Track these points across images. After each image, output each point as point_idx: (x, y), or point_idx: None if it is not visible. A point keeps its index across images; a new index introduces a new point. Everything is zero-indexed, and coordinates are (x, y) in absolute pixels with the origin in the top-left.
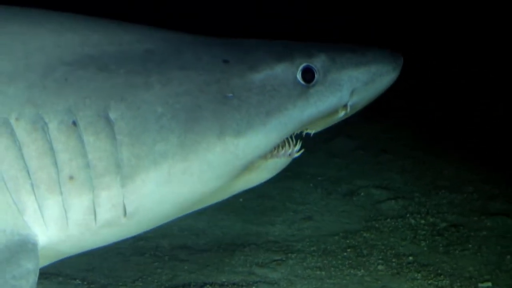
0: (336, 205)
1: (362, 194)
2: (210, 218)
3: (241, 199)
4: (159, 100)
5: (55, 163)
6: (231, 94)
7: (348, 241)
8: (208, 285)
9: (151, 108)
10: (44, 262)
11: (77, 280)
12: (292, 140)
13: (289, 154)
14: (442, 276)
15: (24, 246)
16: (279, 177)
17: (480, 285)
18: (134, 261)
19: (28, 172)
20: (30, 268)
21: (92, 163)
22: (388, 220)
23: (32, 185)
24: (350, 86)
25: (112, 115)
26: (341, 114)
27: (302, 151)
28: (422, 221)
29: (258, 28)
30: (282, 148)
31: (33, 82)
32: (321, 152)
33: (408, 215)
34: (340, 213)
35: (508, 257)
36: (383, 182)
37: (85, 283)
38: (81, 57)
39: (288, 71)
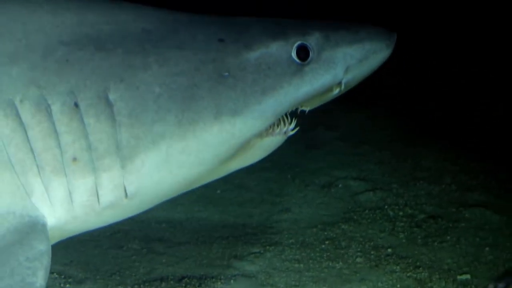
0: (314, 196)
1: (340, 185)
2: (187, 210)
3: (218, 191)
4: (156, 80)
5: (59, 145)
6: (226, 73)
7: (326, 233)
8: (186, 279)
9: (149, 88)
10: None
11: (54, 274)
12: (287, 118)
13: (284, 132)
14: (420, 268)
15: (34, 228)
16: (257, 168)
17: (458, 277)
18: (111, 254)
19: (33, 154)
20: (42, 249)
21: (94, 145)
22: (366, 211)
23: (38, 167)
24: (344, 64)
25: (111, 96)
26: (336, 91)
27: (297, 129)
28: (400, 213)
29: None
30: (277, 126)
31: (35, 63)
32: (300, 142)
33: (386, 206)
34: (318, 205)
35: (487, 249)
36: (361, 174)
37: (63, 277)
38: (79, 37)
39: (282, 50)
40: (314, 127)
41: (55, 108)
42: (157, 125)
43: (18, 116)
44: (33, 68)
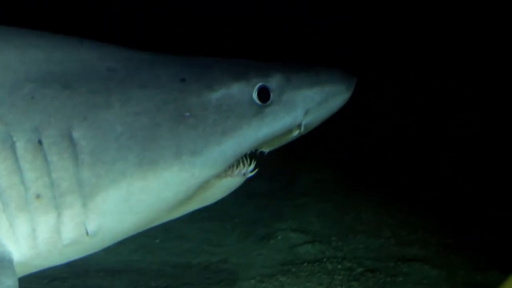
0: (253, 248)
1: (279, 237)
2: (127, 258)
3: (157, 240)
4: (118, 119)
5: (23, 182)
6: (188, 113)
7: (264, 285)
8: None
9: (111, 127)
10: None
11: None
12: (246, 160)
13: (243, 174)
14: None
15: (1, 263)
16: (197, 218)
17: None
18: None
19: None
20: (10, 284)
21: (56, 182)
22: (305, 264)
23: (3, 203)
24: (304, 106)
25: (75, 135)
26: (295, 133)
27: (256, 170)
28: (339, 266)
29: (258, 28)
30: (237, 167)
31: (2, 99)
32: (241, 192)
33: (325, 259)
34: (256, 257)
35: None
36: (301, 225)
37: None
38: (45, 74)
39: (244, 91)
40: (256, 177)
41: (20, 145)
42: (118, 164)
43: None
44: (1, 105)
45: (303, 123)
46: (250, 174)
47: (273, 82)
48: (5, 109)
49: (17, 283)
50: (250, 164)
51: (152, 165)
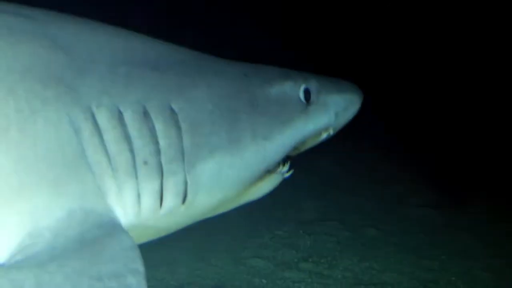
0: None
1: None
2: None
3: None
4: (208, 98)
5: (131, 149)
6: (256, 102)
7: None
8: None
9: (203, 104)
10: None
11: None
12: (282, 161)
13: (282, 173)
14: None
15: (115, 226)
16: None
17: None
18: None
19: (108, 157)
20: (131, 243)
21: (163, 150)
22: None
23: (112, 169)
24: (334, 109)
25: (174, 107)
26: (324, 136)
27: (291, 171)
28: None
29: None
30: (279, 165)
31: (103, 75)
32: None
33: None
34: None
35: None
36: None
37: None
38: (134, 59)
39: (293, 89)
40: None
41: (127, 114)
42: (214, 137)
43: (95, 120)
44: (103, 80)
45: (332, 125)
46: (287, 175)
47: (312, 85)
48: (108, 83)
49: (135, 243)
50: (285, 166)
51: (237, 143)
